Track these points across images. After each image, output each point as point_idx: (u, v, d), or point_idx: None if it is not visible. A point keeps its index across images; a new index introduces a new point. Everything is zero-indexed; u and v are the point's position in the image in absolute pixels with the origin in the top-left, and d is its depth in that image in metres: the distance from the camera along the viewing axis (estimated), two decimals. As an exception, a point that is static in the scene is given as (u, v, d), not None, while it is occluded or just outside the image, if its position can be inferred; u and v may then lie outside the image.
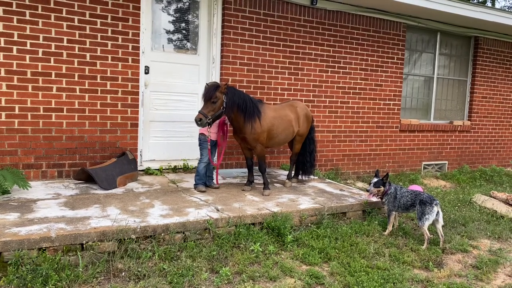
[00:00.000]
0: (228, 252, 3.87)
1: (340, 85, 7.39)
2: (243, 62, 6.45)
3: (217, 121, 5.09)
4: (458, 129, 8.96)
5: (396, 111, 8.11)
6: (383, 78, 7.85)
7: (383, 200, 4.79)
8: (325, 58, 7.16)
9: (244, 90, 6.47)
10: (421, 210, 4.42)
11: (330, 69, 7.24)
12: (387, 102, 7.97)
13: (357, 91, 7.59)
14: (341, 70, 7.36)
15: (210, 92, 4.78)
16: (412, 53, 8.43)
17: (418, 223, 4.47)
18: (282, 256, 3.95)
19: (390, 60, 7.87)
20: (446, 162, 8.93)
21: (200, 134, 5.18)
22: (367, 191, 4.87)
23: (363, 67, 7.60)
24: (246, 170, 6.45)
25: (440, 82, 8.90)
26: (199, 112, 4.80)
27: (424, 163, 8.63)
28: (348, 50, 7.38)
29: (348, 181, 7.31)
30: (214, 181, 5.43)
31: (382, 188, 4.74)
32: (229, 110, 4.90)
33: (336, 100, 7.39)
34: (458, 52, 9.07)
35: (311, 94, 7.12)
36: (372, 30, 7.58)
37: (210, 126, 4.98)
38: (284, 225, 4.26)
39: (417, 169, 8.50)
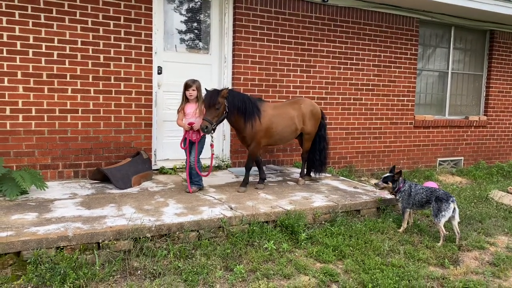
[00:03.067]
0: (242, 250, 3.89)
1: (353, 81, 7.35)
2: (255, 60, 6.46)
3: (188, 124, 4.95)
4: (474, 124, 8.82)
5: (410, 107, 8.03)
6: (396, 74, 7.77)
7: (397, 197, 4.73)
8: (337, 55, 7.13)
9: (256, 89, 6.50)
10: (437, 207, 4.38)
11: (342, 66, 7.20)
12: (401, 98, 7.90)
13: (370, 87, 7.54)
14: (354, 67, 7.31)
15: (213, 98, 4.75)
16: (425, 48, 8.33)
17: (434, 220, 4.43)
18: (296, 254, 3.96)
19: (403, 56, 7.79)
20: (462, 158, 8.81)
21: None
22: (376, 185, 4.85)
23: (376, 63, 7.54)
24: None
25: (455, 77, 8.78)
26: (203, 119, 4.76)
27: (439, 159, 8.53)
28: (360, 47, 7.33)
29: (362, 178, 7.27)
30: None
31: (390, 184, 4.69)
32: (230, 113, 4.91)
33: (349, 97, 7.35)
34: (473, 47, 8.92)
35: (324, 91, 7.09)
36: (384, 25, 7.51)
37: (213, 132, 4.91)
38: (297, 223, 4.27)
39: (432, 166, 8.41)
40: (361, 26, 7.29)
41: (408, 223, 4.74)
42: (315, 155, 5.78)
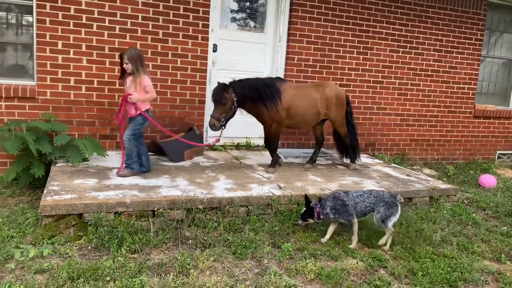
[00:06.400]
0: (290, 229, 3.92)
1: (412, 66, 7.07)
2: (310, 40, 6.36)
3: (123, 98, 4.41)
4: (541, 117, 8.25)
5: (470, 96, 7.63)
6: (458, 60, 7.39)
7: (326, 217, 3.79)
8: (396, 37, 6.86)
9: (310, 70, 6.42)
10: (388, 213, 3.72)
11: (401, 49, 6.94)
12: (461, 85, 7.52)
13: (429, 73, 7.22)
14: (413, 51, 7.02)
15: (219, 94, 4.62)
16: (492, 33, 7.83)
17: (380, 225, 3.76)
18: (344, 237, 3.93)
19: (467, 41, 7.38)
20: (524, 152, 8.30)
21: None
22: (297, 225, 3.95)
23: (437, 47, 7.19)
24: (308, 150, 6.46)
25: (523, 65, 8.22)
26: (211, 116, 4.69)
27: (498, 152, 8.09)
28: (421, 30, 7.01)
29: (414, 167, 7.05)
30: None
31: (311, 220, 3.83)
32: (242, 104, 4.78)
33: (407, 82, 7.09)
34: (546, 33, 8.28)
35: (380, 75, 6.88)
36: (449, 8, 7.13)
37: (224, 128, 4.80)
38: (347, 206, 4.22)
39: (490, 158, 7.99)
40: (424, 8, 6.96)
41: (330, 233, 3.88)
42: (347, 144, 5.53)
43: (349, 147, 5.53)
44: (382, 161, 6.34)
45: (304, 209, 3.85)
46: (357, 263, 3.48)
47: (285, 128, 5.34)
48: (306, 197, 3.88)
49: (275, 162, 5.13)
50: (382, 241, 3.82)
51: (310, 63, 6.41)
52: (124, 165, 4.45)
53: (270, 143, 5.15)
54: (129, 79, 4.39)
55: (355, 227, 3.77)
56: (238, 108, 4.89)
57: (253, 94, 4.77)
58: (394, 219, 3.76)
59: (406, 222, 4.29)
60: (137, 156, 4.46)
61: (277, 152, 5.23)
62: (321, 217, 3.77)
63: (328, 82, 5.47)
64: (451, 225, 4.43)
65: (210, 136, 6.25)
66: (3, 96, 4.95)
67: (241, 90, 4.73)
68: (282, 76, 6.36)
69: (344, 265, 3.41)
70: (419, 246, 3.82)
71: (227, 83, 4.72)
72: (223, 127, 4.78)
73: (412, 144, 7.36)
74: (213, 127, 4.71)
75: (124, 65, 4.32)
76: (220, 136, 4.93)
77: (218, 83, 4.78)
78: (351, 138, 5.49)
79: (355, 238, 3.78)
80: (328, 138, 6.74)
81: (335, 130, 5.51)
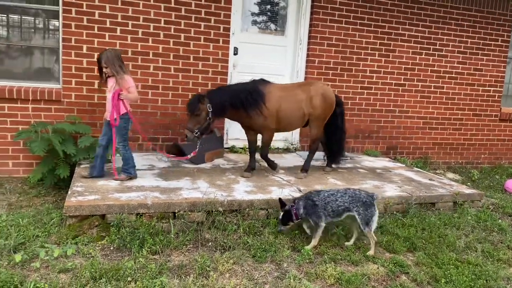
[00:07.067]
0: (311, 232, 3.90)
1: (435, 68, 6.95)
2: (331, 43, 6.32)
3: (111, 96, 4.21)
4: None
5: (496, 99, 7.45)
6: (483, 62, 7.22)
7: (303, 218, 3.72)
8: (419, 39, 6.76)
9: (331, 72, 6.39)
10: (368, 214, 3.61)
11: (424, 51, 6.83)
12: (487, 88, 7.35)
13: (453, 75, 7.08)
14: (436, 53, 6.91)
15: (192, 105, 4.45)
16: (520, 34, 7.62)
17: (364, 229, 3.64)
18: (365, 242, 3.89)
19: (493, 43, 7.21)
20: (553, 157, 8.04)
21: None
22: (280, 232, 3.80)
23: (462, 49, 7.05)
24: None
25: (552, 67, 7.97)
26: (185, 128, 4.56)
27: (526, 156, 7.87)
28: (445, 31, 6.89)
29: (437, 171, 6.91)
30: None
31: (291, 223, 3.74)
32: (219, 114, 4.59)
33: (430, 84, 6.97)
34: None
35: (402, 77, 6.79)
36: (474, 9, 6.98)
37: (199, 140, 4.60)
38: (368, 211, 4.17)
39: (517, 163, 7.78)
40: (448, 9, 6.84)
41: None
42: (333, 147, 5.30)
43: (334, 151, 5.28)
44: (404, 165, 6.25)
45: (282, 213, 3.71)
46: (378, 268, 3.43)
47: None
48: (280, 200, 3.76)
49: (252, 168, 4.89)
50: (370, 252, 3.65)
51: (331, 65, 6.37)
52: (120, 170, 4.38)
53: (262, 149, 4.92)
54: (111, 81, 4.26)
55: (320, 231, 3.63)
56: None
57: (234, 102, 4.54)
58: (375, 219, 3.62)
59: (429, 228, 4.22)
60: (133, 160, 4.41)
61: (268, 157, 5.03)
62: (299, 217, 3.67)
63: (315, 81, 5.21)
64: (476, 231, 4.33)
65: (230, 138, 6.29)
66: (30, 98, 5.09)
67: (218, 99, 4.51)
68: (302, 79, 6.36)
69: (365, 270, 3.37)
70: (442, 252, 3.74)
71: (204, 94, 4.56)
72: (199, 139, 4.57)
73: (435, 147, 7.23)
74: (185, 138, 4.60)
75: (104, 70, 4.20)
76: (197, 147, 4.72)
77: (195, 94, 4.66)
78: (340, 141, 5.24)
79: (314, 241, 3.63)
80: (349, 141, 6.70)
81: (310, 129, 5.07)
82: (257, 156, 5.71)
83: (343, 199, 3.65)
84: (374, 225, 3.63)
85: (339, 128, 5.19)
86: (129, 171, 4.40)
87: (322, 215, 3.63)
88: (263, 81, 4.82)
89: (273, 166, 5.06)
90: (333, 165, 5.44)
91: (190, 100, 4.54)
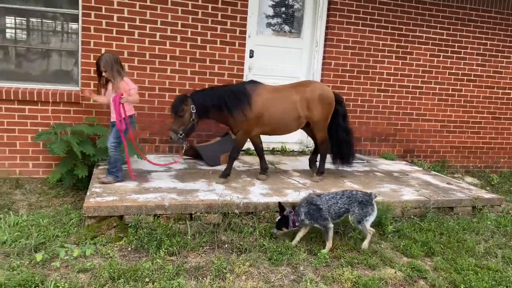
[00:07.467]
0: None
1: (453, 71, 6.86)
2: (348, 45, 6.29)
3: (112, 100, 4.22)
4: None
5: (516, 101, 7.32)
6: (503, 65, 7.10)
7: (302, 223, 3.66)
8: (437, 41, 6.68)
9: (347, 75, 6.35)
10: (362, 213, 3.64)
11: (442, 54, 6.75)
12: (507, 91, 7.22)
13: (472, 78, 6.98)
14: (454, 55, 6.81)
15: (176, 106, 4.38)
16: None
17: (357, 226, 3.69)
18: (382, 246, 3.86)
19: (513, 44, 7.09)
20: None
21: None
22: (273, 234, 3.75)
23: (481, 52, 6.95)
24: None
25: None
26: (170, 129, 4.50)
27: (547, 160, 7.70)
28: (464, 33, 6.79)
29: (455, 175, 6.81)
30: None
31: (284, 230, 3.67)
32: (203, 114, 4.50)
33: (448, 87, 6.88)
34: None
35: (420, 80, 6.71)
36: (494, 11, 6.87)
37: (185, 142, 4.54)
38: (385, 215, 4.13)
39: (538, 167, 7.62)
40: (467, 11, 6.74)
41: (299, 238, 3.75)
42: (333, 149, 5.08)
43: (337, 153, 5.08)
44: (421, 168, 6.18)
45: (279, 217, 3.66)
46: (395, 273, 3.40)
47: (258, 134, 4.90)
48: (279, 204, 3.70)
49: (227, 174, 4.67)
50: (364, 244, 3.69)
51: (348, 68, 6.34)
52: (109, 173, 4.34)
53: (231, 151, 4.74)
54: (111, 84, 4.28)
55: (331, 233, 3.61)
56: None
57: (217, 103, 4.47)
58: (371, 218, 3.64)
59: (447, 232, 4.16)
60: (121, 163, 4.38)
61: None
62: (296, 224, 3.61)
63: (312, 81, 5.02)
64: (496, 236, 4.26)
65: (246, 141, 6.30)
66: (50, 101, 5.18)
67: (202, 100, 4.45)
68: (319, 81, 6.34)
69: (382, 275, 3.34)
70: (461, 258, 3.69)
71: (188, 95, 4.49)
72: (183, 140, 4.50)
73: (453, 151, 7.13)
74: (170, 140, 4.53)
75: (104, 74, 4.20)
76: (184, 147, 4.72)
77: (179, 95, 4.61)
78: (343, 143, 5.01)
79: (329, 244, 3.61)
80: (366, 144, 6.65)
81: (314, 133, 5.01)
82: (272, 158, 5.71)
83: (343, 201, 3.67)
84: (368, 223, 3.64)
85: (341, 128, 4.99)
86: (116, 174, 4.33)
87: (328, 217, 3.61)
88: (253, 82, 4.76)
89: (226, 173, 4.68)
90: (345, 167, 5.22)
91: (174, 101, 4.47)
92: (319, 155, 5.11)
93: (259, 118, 4.58)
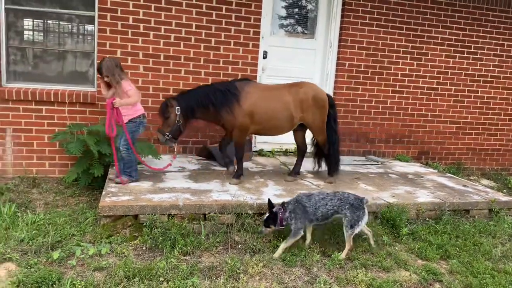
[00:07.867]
0: (340, 238, 3.85)
1: (469, 72, 6.77)
2: (362, 46, 6.26)
3: (106, 105, 4.32)
4: None
5: (535, 103, 7.19)
6: (521, 65, 7.00)
7: (288, 224, 3.57)
8: (453, 42, 6.61)
9: (361, 76, 6.32)
10: (355, 217, 3.55)
11: (458, 55, 6.67)
12: (524, 92, 7.11)
13: (488, 79, 6.88)
14: (471, 56, 6.73)
15: (161, 109, 4.42)
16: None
17: (348, 231, 3.57)
18: (396, 248, 3.83)
19: (531, 45, 6.97)
20: None
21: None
22: (260, 233, 3.70)
23: (498, 52, 6.85)
24: (359, 158, 6.36)
25: None
26: (157, 130, 4.55)
27: None
28: (480, 34, 6.70)
29: (471, 177, 6.72)
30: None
31: (273, 227, 3.58)
32: (189, 115, 4.47)
33: (463, 88, 6.80)
34: None
35: (435, 81, 6.64)
36: (511, 11, 6.76)
37: (175, 143, 4.56)
38: (399, 217, 4.10)
39: (556, 170, 7.47)
40: (484, 11, 6.65)
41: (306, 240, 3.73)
42: (328, 151, 4.94)
43: (328, 156, 4.96)
44: (436, 171, 6.11)
45: (267, 214, 3.58)
46: (410, 275, 3.37)
47: (252, 133, 4.87)
48: (269, 201, 3.59)
49: (240, 174, 4.67)
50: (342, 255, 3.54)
51: (362, 69, 6.31)
52: (123, 173, 4.37)
53: (236, 151, 4.70)
54: (112, 88, 4.33)
55: (296, 238, 3.52)
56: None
57: (204, 102, 4.44)
58: (362, 223, 3.57)
59: (463, 235, 4.11)
60: (136, 163, 4.44)
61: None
62: (283, 223, 3.53)
63: (305, 82, 4.93)
64: (514, 240, 4.19)
65: (258, 141, 6.31)
66: (67, 101, 5.26)
67: (187, 101, 4.42)
68: (332, 82, 6.33)
69: (397, 277, 3.31)
70: (477, 261, 3.64)
71: (173, 97, 4.52)
72: (172, 142, 4.50)
73: (468, 153, 7.04)
74: (159, 141, 4.57)
75: (106, 79, 4.24)
76: (175, 150, 4.80)
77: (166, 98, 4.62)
78: (335, 144, 4.91)
79: (282, 246, 3.50)
80: (380, 146, 6.60)
81: (315, 137, 4.94)
82: (285, 159, 5.71)
83: (333, 203, 3.60)
84: (357, 229, 3.56)
85: (333, 130, 4.87)
86: (131, 174, 4.40)
87: (304, 224, 3.55)
88: (244, 80, 4.74)
89: (239, 173, 4.68)
90: (334, 174, 5.01)
91: (161, 105, 4.50)
92: (323, 158, 5.05)
93: (251, 116, 4.52)
